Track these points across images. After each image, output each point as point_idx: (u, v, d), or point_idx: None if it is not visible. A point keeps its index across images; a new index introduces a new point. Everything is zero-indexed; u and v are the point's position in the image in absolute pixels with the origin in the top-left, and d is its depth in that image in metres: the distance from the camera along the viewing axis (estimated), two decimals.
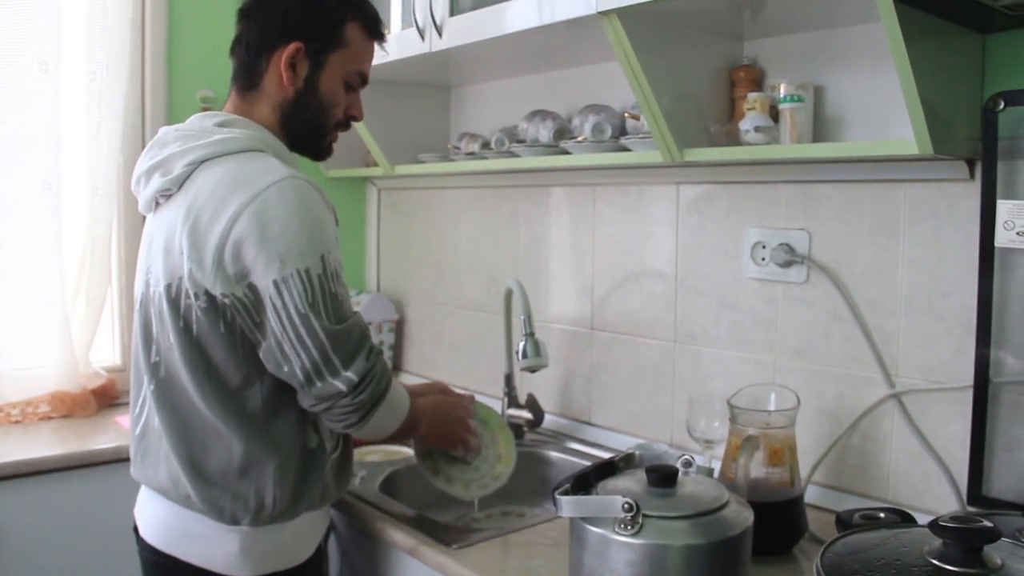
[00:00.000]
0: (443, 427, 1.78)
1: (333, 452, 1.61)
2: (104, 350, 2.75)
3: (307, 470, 1.55)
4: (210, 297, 1.45)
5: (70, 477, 2.19)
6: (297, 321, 1.42)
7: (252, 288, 1.43)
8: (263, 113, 1.60)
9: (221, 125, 1.56)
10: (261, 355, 1.48)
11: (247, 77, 1.61)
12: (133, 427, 1.63)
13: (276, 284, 1.41)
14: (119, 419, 2.48)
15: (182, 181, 1.50)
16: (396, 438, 1.68)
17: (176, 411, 1.52)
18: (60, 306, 2.52)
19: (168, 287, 1.49)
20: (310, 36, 1.58)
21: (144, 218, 1.64)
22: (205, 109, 2.73)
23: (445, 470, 1.83)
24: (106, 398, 2.63)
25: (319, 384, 1.46)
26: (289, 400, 1.52)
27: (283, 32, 1.57)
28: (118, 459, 2.19)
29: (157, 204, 1.56)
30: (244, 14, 1.62)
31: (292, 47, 1.56)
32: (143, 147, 2.70)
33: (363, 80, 1.68)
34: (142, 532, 1.62)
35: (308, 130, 1.64)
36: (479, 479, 1.84)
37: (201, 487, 1.51)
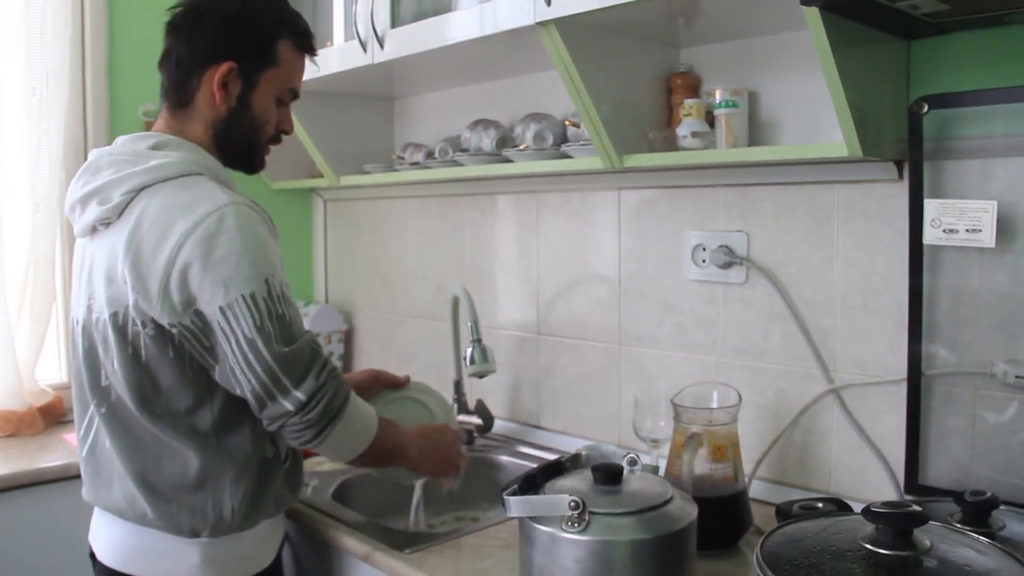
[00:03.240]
0: (434, 453, 1.74)
1: (286, 462, 1.62)
2: (50, 367, 2.72)
3: (263, 479, 1.56)
4: (157, 326, 1.45)
5: (17, 496, 2.17)
6: (245, 346, 1.43)
7: (199, 315, 1.44)
8: (196, 132, 1.59)
9: (155, 148, 1.54)
10: (216, 377, 1.48)
11: (178, 95, 1.59)
12: (80, 448, 1.62)
13: (223, 310, 1.42)
14: (67, 436, 2.46)
15: (121, 210, 1.49)
16: (377, 461, 1.66)
17: (128, 432, 1.52)
18: (3, 323, 2.50)
19: (114, 315, 1.48)
20: (242, 55, 1.56)
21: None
22: (148, 123, 2.73)
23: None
24: (53, 416, 2.60)
25: (269, 405, 1.46)
26: (242, 416, 1.52)
27: (215, 51, 1.55)
28: (66, 477, 2.18)
29: (95, 230, 1.54)
30: (173, 28, 1.60)
31: (225, 67, 1.55)
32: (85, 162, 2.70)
33: (294, 95, 1.68)
34: (99, 555, 1.60)
35: (241, 148, 1.63)
36: None
37: (157, 504, 1.51)
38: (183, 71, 1.58)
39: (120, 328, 1.48)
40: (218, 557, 1.55)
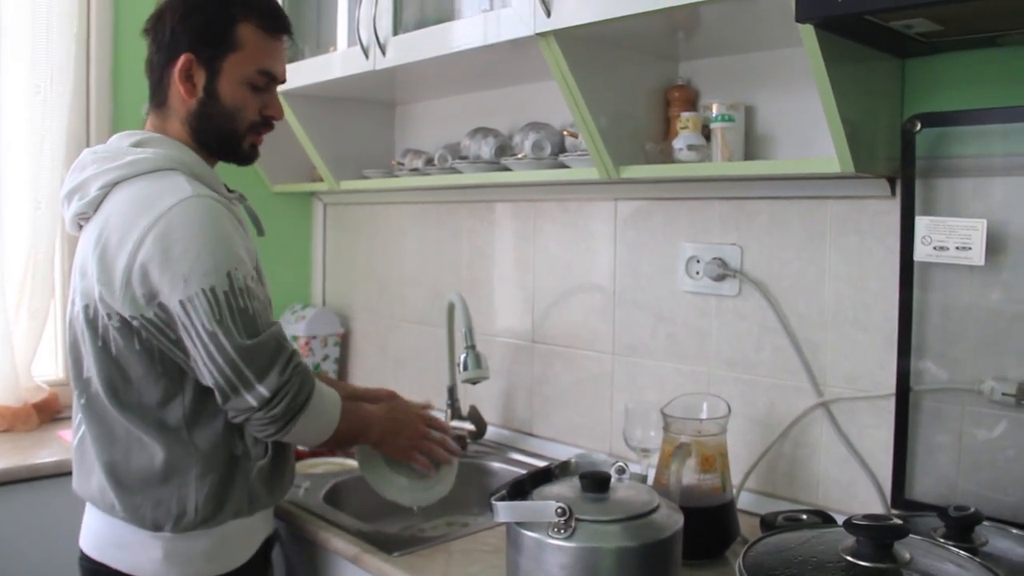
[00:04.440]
0: (395, 437, 1.76)
1: (260, 459, 1.61)
2: (47, 364, 2.73)
3: (231, 477, 1.56)
4: (122, 319, 1.48)
5: (11, 492, 2.18)
6: (206, 339, 1.44)
7: (163, 307, 1.46)
8: (175, 129, 1.61)
9: (136, 145, 1.57)
10: (189, 367, 1.50)
11: (156, 95, 1.62)
12: (73, 440, 1.65)
13: (183, 304, 1.43)
14: (61, 433, 2.47)
15: (97, 204, 1.52)
16: (340, 443, 1.68)
17: (103, 423, 1.55)
18: (1, 319, 2.51)
19: (86, 308, 1.52)
20: (198, 45, 1.56)
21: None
22: None
23: (390, 476, 1.81)
24: (48, 412, 2.61)
25: (232, 398, 1.48)
26: (212, 411, 1.54)
27: (173, 46, 1.57)
28: (61, 473, 2.18)
29: (80, 226, 1.59)
30: (144, 33, 1.63)
31: (182, 59, 1.56)
32: None
33: (271, 78, 1.64)
34: (80, 542, 1.64)
35: (220, 138, 1.63)
36: (424, 489, 1.84)
37: (124, 495, 1.53)
38: (155, 72, 1.62)
39: (91, 321, 1.52)
40: (181, 553, 1.56)
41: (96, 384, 1.54)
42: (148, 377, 1.51)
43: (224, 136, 1.63)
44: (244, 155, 1.68)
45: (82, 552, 1.63)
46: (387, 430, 1.74)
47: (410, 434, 1.78)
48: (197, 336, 1.44)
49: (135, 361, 1.50)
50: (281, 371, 1.49)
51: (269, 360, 1.49)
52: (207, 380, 1.48)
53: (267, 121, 1.67)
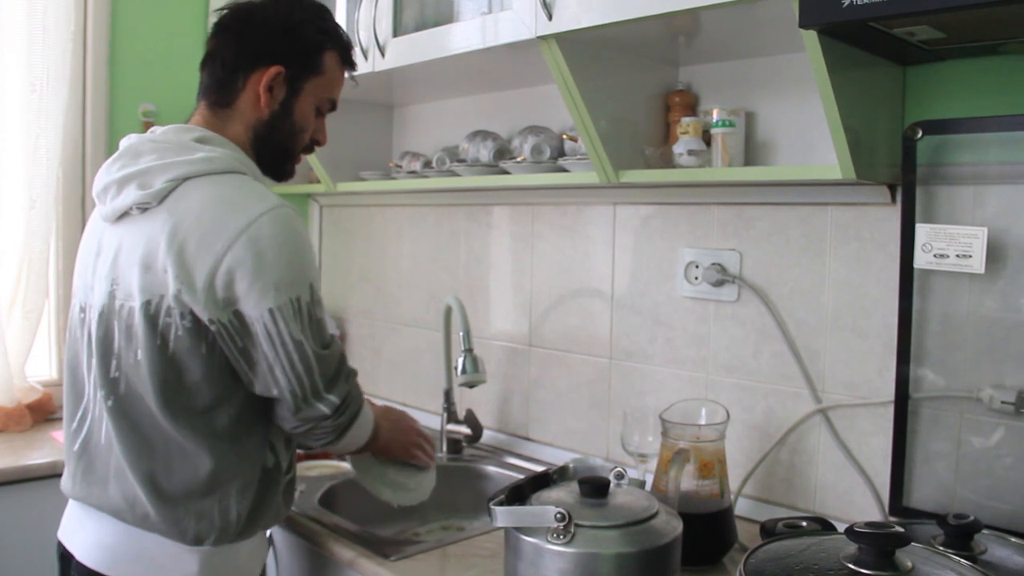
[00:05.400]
0: (399, 435, 1.78)
1: (286, 473, 1.60)
2: (40, 364, 2.72)
3: (265, 489, 1.54)
4: (195, 319, 1.43)
5: (3, 493, 2.17)
6: (291, 347, 1.44)
7: (238, 315, 1.43)
8: (235, 132, 1.59)
9: (200, 141, 1.54)
10: (253, 377, 1.47)
11: (220, 94, 1.60)
12: (70, 443, 1.58)
13: (272, 312, 1.42)
14: (55, 434, 2.46)
15: (163, 196, 1.47)
16: (358, 450, 1.70)
17: (137, 428, 1.48)
18: None
19: (146, 304, 1.45)
20: (290, 61, 1.59)
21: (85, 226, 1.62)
22: (147, 123, 2.74)
23: (387, 475, 1.80)
24: (42, 413, 2.60)
25: (304, 408, 1.48)
26: (255, 419, 1.52)
27: (264, 54, 1.57)
28: (53, 474, 2.16)
29: (126, 215, 1.52)
30: (221, 29, 1.61)
31: (273, 70, 1.57)
32: (83, 160, 2.71)
33: (332, 106, 1.70)
34: (80, 556, 1.54)
35: (277, 153, 1.65)
36: (415, 487, 1.83)
37: (162, 506, 1.47)
38: (228, 71, 1.59)
39: (151, 317, 1.45)
40: (216, 567, 1.52)
41: (134, 384, 1.48)
42: (204, 381, 1.47)
43: (281, 151, 1.66)
44: (288, 173, 1.71)
45: (85, 567, 1.53)
46: (388, 436, 1.74)
47: (409, 432, 1.81)
48: (282, 345, 1.44)
49: (196, 364, 1.46)
50: (346, 379, 1.54)
51: (337, 369, 1.52)
52: (276, 389, 1.47)
53: (313, 146, 1.71)
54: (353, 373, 1.57)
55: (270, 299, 1.42)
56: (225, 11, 1.62)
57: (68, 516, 1.61)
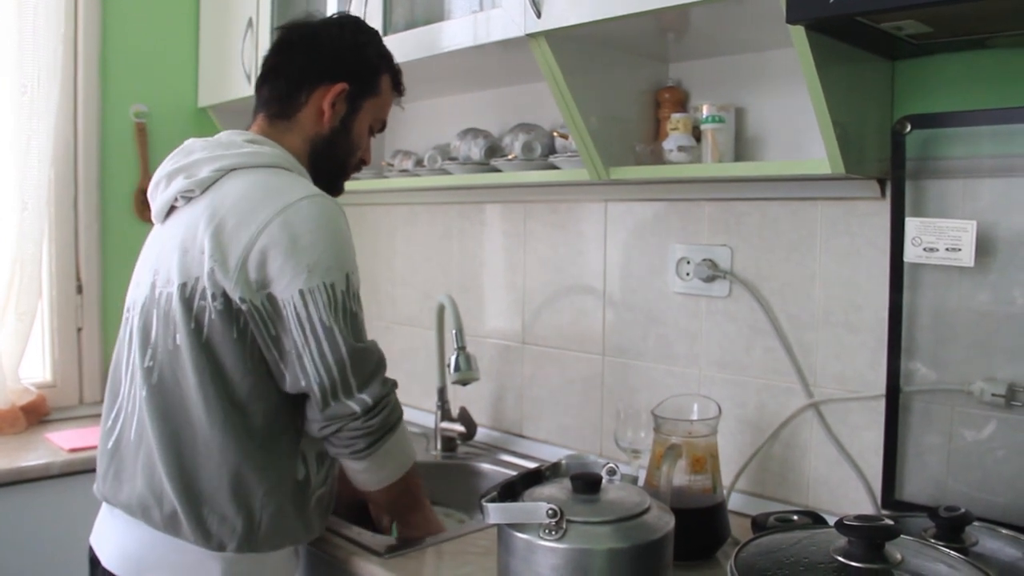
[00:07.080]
0: (427, 512, 1.77)
1: (320, 487, 1.58)
2: (34, 366, 2.71)
3: (293, 501, 1.53)
4: (227, 300, 1.44)
5: None
6: (321, 333, 1.43)
7: (271, 298, 1.43)
8: (293, 143, 1.63)
9: (250, 142, 1.58)
10: (283, 368, 1.47)
11: (281, 106, 1.64)
12: (104, 442, 1.58)
13: (303, 294, 1.42)
14: (49, 436, 2.45)
15: (207, 185, 1.51)
16: (400, 499, 1.68)
17: (168, 420, 1.47)
18: None
19: (182, 286, 1.46)
20: (354, 80, 1.65)
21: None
22: (139, 124, 2.74)
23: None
24: (36, 415, 2.59)
25: (333, 404, 1.46)
26: (288, 425, 1.51)
27: (330, 72, 1.63)
28: (47, 476, 2.17)
29: (172, 210, 1.56)
30: (287, 46, 1.67)
31: (339, 87, 1.62)
32: (74, 162, 2.71)
33: (382, 127, 1.77)
34: (105, 561, 1.54)
35: (332, 168, 1.68)
36: None
37: (190, 503, 1.46)
38: (292, 85, 1.63)
39: (187, 300, 1.46)
40: (240, 575, 1.51)
41: (163, 373, 1.48)
42: (238, 369, 1.46)
43: (337, 167, 1.70)
44: (339, 189, 1.74)
45: (110, 573, 1.53)
46: (427, 514, 1.75)
47: (434, 522, 1.78)
48: (311, 329, 1.43)
49: (228, 348, 1.45)
50: (383, 382, 1.51)
51: (374, 369, 1.50)
52: (305, 381, 1.45)
53: (360, 165, 1.75)
54: (392, 381, 1.54)
55: (301, 280, 1.42)
56: (288, 29, 1.68)
57: (99, 521, 1.62)
